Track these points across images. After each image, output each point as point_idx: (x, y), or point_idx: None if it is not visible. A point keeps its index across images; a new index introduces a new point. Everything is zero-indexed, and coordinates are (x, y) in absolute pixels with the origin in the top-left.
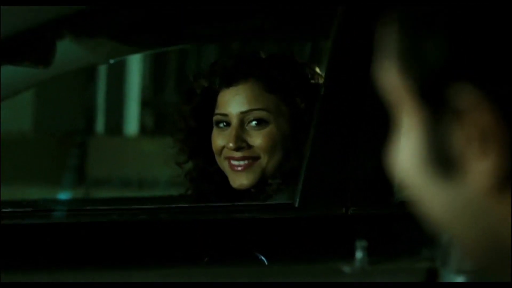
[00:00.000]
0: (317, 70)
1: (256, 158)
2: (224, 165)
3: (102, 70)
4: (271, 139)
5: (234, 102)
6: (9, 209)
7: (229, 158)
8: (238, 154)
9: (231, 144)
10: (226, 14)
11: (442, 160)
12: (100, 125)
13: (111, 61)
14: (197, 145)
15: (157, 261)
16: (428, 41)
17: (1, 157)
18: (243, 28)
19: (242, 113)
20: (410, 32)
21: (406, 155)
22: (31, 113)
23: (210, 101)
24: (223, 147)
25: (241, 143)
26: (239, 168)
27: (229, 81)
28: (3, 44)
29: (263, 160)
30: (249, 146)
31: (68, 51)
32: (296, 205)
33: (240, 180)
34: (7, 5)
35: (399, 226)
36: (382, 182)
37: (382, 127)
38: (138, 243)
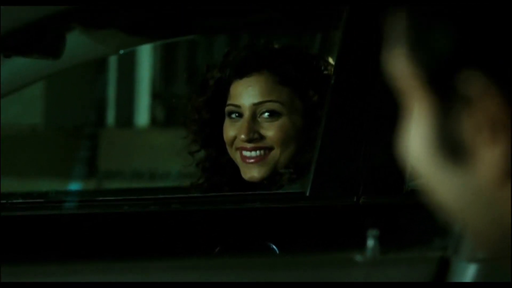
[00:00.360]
0: (331, 61)
1: (269, 149)
2: (236, 156)
3: (112, 63)
4: (284, 131)
5: (246, 94)
6: (20, 200)
7: (240, 149)
8: (250, 145)
9: (243, 136)
10: (236, 5)
11: (452, 148)
12: (110, 117)
13: (121, 52)
14: (210, 135)
15: (168, 252)
16: (437, 28)
17: (11, 151)
18: (253, 20)
19: (255, 104)
20: (418, 20)
21: (417, 143)
22: (41, 107)
23: (223, 91)
24: (235, 138)
25: (253, 135)
26: (251, 161)
27: (242, 73)
28: (12, 37)
29: (276, 151)
30: (261, 138)
31: (77, 43)
32: (307, 194)
33: (251, 172)
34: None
35: (410, 215)
36: (393, 171)
37: (392, 116)
38: (150, 234)
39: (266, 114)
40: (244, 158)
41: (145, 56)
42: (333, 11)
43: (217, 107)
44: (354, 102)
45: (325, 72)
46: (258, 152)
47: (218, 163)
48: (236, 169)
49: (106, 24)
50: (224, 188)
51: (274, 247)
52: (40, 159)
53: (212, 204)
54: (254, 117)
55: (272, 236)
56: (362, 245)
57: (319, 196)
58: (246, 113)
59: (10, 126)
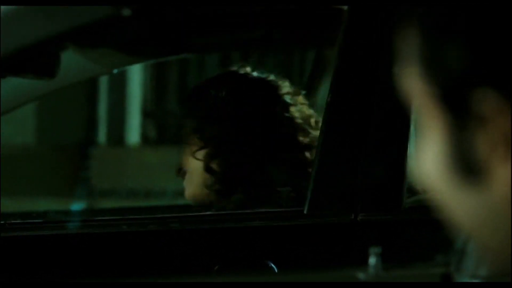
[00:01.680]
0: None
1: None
2: None
3: (103, 81)
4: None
5: None
6: (19, 221)
7: None
8: None
9: None
10: (229, 24)
11: (466, 166)
12: (102, 135)
13: (115, 71)
14: None
15: (167, 270)
16: (450, 45)
17: (5, 170)
18: (246, 37)
19: None
20: (431, 37)
21: (431, 160)
22: (33, 126)
23: None
24: None
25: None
26: None
27: None
28: (6, 57)
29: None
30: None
31: (71, 63)
32: (305, 212)
33: None
34: (7, 5)
35: (409, 232)
36: (391, 188)
37: (390, 133)
38: (149, 253)
39: None
40: None
41: (136, 74)
42: (328, 27)
43: None
44: (351, 120)
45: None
46: None
47: None
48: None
49: (100, 43)
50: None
51: (272, 265)
52: (33, 178)
53: (210, 223)
54: None
55: (271, 254)
56: (360, 263)
57: (317, 214)
58: None
59: (2, 145)
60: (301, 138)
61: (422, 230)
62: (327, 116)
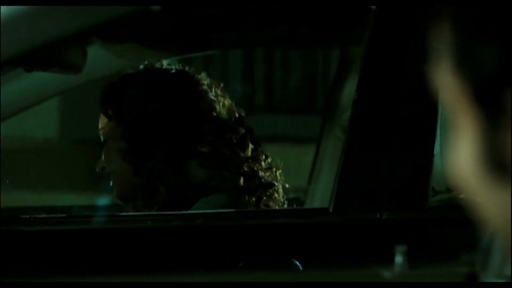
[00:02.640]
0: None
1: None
2: None
3: None
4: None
5: None
6: (44, 215)
7: None
8: None
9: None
10: (253, 20)
11: (498, 164)
12: None
13: (140, 67)
14: None
15: (192, 266)
16: (484, 43)
17: (26, 164)
18: (270, 34)
19: None
20: (465, 35)
21: (462, 158)
22: (56, 120)
23: None
24: None
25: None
26: None
27: None
28: (33, 51)
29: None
30: None
31: (97, 57)
32: (331, 210)
33: None
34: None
35: (434, 231)
36: (415, 187)
37: (415, 131)
38: (174, 248)
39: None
40: None
41: None
42: (355, 25)
43: None
44: (377, 118)
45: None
46: None
47: None
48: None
49: (126, 38)
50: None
51: (297, 263)
52: (55, 173)
53: (235, 220)
54: None
55: (296, 251)
56: (385, 261)
57: (342, 212)
58: None
59: (24, 139)
60: (228, 135)
61: (447, 228)
62: (354, 114)
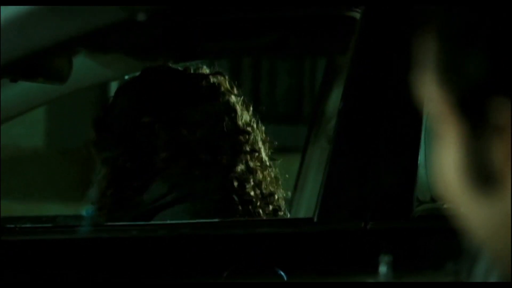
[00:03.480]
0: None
1: None
2: None
3: (114, 86)
4: None
5: None
6: (29, 225)
7: None
8: None
9: None
10: (242, 30)
11: (482, 175)
12: None
13: (126, 77)
14: None
15: (176, 276)
16: (469, 53)
17: (13, 173)
18: (259, 44)
19: None
20: (450, 44)
21: (446, 167)
22: (43, 129)
23: None
24: None
25: None
26: None
27: None
28: (18, 61)
29: None
30: None
31: (83, 67)
32: (315, 220)
33: None
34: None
35: (418, 240)
36: (400, 196)
37: (399, 141)
38: (159, 258)
39: None
40: None
41: None
42: (341, 34)
43: None
44: (362, 127)
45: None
46: None
47: None
48: None
49: (112, 48)
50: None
51: (282, 273)
52: (41, 182)
53: (220, 229)
54: None
55: (280, 261)
56: (370, 270)
57: (326, 221)
58: None
59: (11, 148)
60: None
61: (432, 238)
62: (339, 123)
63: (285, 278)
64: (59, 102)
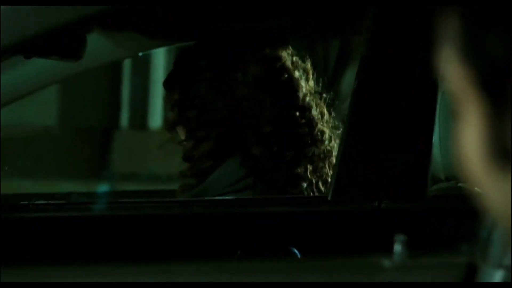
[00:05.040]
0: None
1: None
2: None
3: (127, 64)
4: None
5: None
6: (42, 201)
7: None
8: None
9: None
10: (254, 11)
11: (502, 154)
12: (124, 119)
13: (140, 54)
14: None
15: (190, 255)
16: (491, 31)
17: (25, 152)
18: (271, 25)
19: None
20: (472, 22)
21: (468, 145)
22: (56, 108)
23: None
24: None
25: None
26: None
27: None
28: (32, 38)
29: None
30: None
31: (97, 45)
32: (329, 198)
33: None
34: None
35: (432, 220)
36: (415, 176)
37: (414, 121)
38: (172, 236)
39: None
40: None
41: (160, 58)
42: (354, 16)
43: None
44: (377, 106)
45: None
46: None
47: None
48: None
49: (126, 26)
50: None
51: (296, 251)
52: (54, 161)
53: (233, 207)
54: None
55: (294, 240)
56: (383, 250)
57: (340, 201)
58: None
59: (24, 127)
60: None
61: (446, 218)
62: (353, 103)
63: (299, 256)
64: (72, 81)
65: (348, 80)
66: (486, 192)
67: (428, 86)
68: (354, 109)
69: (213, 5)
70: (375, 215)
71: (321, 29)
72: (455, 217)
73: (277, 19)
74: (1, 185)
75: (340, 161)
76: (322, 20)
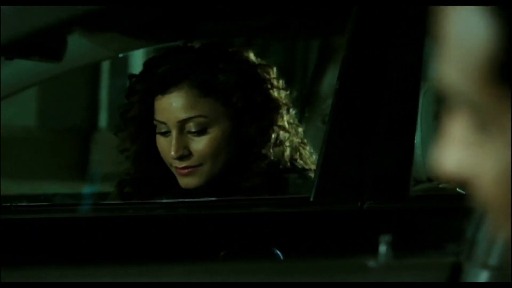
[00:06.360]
0: (251, 55)
1: (198, 166)
2: (171, 168)
3: (106, 65)
4: (212, 144)
5: (170, 110)
6: (24, 203)
7: (173, 163)
8: (181, 164)
9: (172, 153)
10: (236, 10)
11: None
12: (103, 120)
13: (120, 55)
14: (140, 149)
15: (173, 256)
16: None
17: (5, 153)
18: (254, 25)
19: (180, 121)
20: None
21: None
22: (35, 109)
23: (148, 104)
24: (168, 153)
25: (183, 151)
26: (185, 171)
27: (163, 88)
28: (13, 40)
29: (206, 166)
30: (191, 153)
31: (78, 46)
32: (312, 199)
33: (186, 181)
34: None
35: (415, 221)
36: (397, 176)
37: (396, 121)
38: (155, 238)
39: (193, 129)
40: (177, 169)
41: (139, 59)
42: (338, 16)
43: (147, 121)
44: (359, 106)
45: (249, 70)
46: (188, 170)
47: (151, 173)
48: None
49: (107, 27)
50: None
51: (278, 252)
52: (33, 161)
53: (217, 208)
54: (181, 133)
55: (277, 240)
56: (366, 250)
57: (323, 201)
58: (173, 130)
59: (3, 128)
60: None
61: (429, 218)
62: (335, 104)
63: (281, 257)
64: (51, 82)
65: (329, 80)
66: (473, 164)
67: (410, 87)
68: (336, 109)
69: (194, 6)
70: (358, 216)
71: (303, 28)
72: (438, 217)
73: (260, 19)
74: None
75: (323, 162)
76: (304, 19)
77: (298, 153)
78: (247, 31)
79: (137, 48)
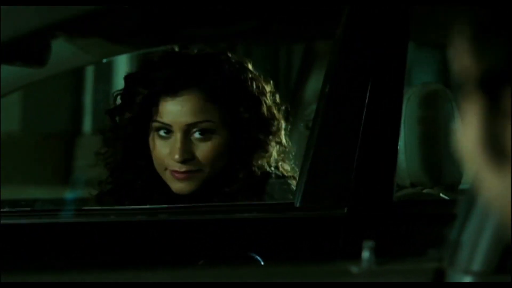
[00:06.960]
0: (249, 66)
1: (197, 171)
2: (164, 171)
3: (90, 70)
4: (214, 150)
5: (178, 113)
6: (7, 209)
7: (171, 170)
8: (182, 168)
9: (176, 156)
10: (220, 15)
11: (498, 150)
12: (87, 125)
13: (104, 61)
14: (133, 151)
15: (152, 263)
16: (500, 34)
17: None
18: (240, 29)
19: (188, 125)
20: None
21: (468, 140)
22: (18, 113)
23: (149, 107)
24: (166, 155)
25: (187, 155)
26: (182, 176)
27: (171, 91)
28: None
29: (203, 172)
30: (193, 157)
31: (62, 51)
32: (297, 205)
33: (180, 186)
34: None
35: (399, 226)
36: (380, 182)
37: (380, 127)
38: (134, 244)
39: (199, 133)
40: (174, 173)
41: (122, 64)
42: (325, 21)
43: (143, 123)
44: (344, 113)
45: (248, 81)
46: (188, 174)
47: (141, 176)
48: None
49: (90, 32)
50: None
51: (258, 257)
52: (17, 166)
53: (200, 214)
54: (186, 136)
55: (261, 246)
56: (351, 256)
57: (308, 207)
58: (179, 133)
59: None
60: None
61: (412, 224)
62: (320, 110)
63: (262, 263)
64: (35, 86)
65: (313, 86)
66: (486, 184)
67: (394, 93)
68: (320, 115)
69: (179, 11)
70: (342, 221)
71: (286, 33)
72: (421, 222)
73: (245, 24)
74: None
75: (309, 168)
76: (288, 24)
77: (282, 160)
78: (230, 36)
79: (121, 53)
